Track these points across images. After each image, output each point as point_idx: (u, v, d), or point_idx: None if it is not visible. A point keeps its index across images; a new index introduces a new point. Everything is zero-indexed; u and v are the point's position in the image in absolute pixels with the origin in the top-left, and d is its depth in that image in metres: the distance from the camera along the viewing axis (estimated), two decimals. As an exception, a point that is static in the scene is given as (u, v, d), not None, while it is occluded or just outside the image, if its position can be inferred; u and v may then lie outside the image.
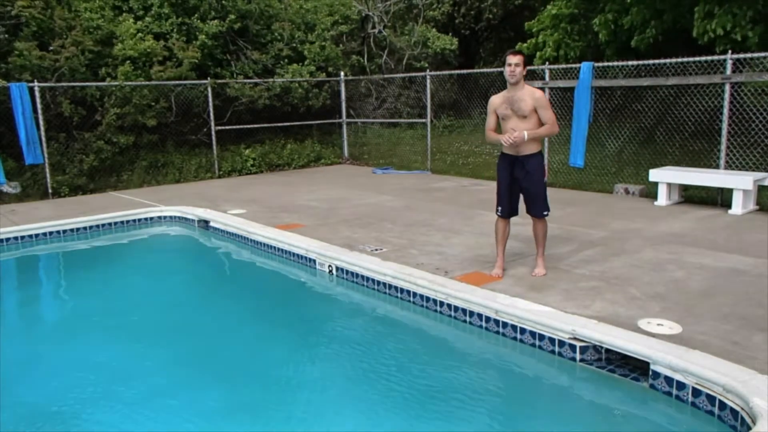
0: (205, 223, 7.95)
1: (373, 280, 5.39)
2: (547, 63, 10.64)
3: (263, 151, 12.46)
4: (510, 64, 4.70)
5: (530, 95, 4.76)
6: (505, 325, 4.30)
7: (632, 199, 8.33)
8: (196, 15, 11.90)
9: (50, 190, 9.90)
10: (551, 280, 4.87)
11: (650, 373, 3.51)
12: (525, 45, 12.62)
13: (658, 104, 9.53)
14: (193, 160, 11.68)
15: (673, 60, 8.12)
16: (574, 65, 9.45)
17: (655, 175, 7.93)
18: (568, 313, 4.16)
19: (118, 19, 11.33)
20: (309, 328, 4.84)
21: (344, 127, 13.69)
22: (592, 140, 9.39)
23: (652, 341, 3.66)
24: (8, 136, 9.75)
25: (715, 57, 7.80)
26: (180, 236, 7.96)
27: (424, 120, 12.22)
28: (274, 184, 10.67)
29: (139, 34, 11.11)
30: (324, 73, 13.09)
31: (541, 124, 4.80)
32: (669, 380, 3.41)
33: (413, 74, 14.12)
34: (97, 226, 7.94)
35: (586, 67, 8.73)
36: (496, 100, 4.95)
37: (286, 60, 12.70)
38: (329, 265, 5.89)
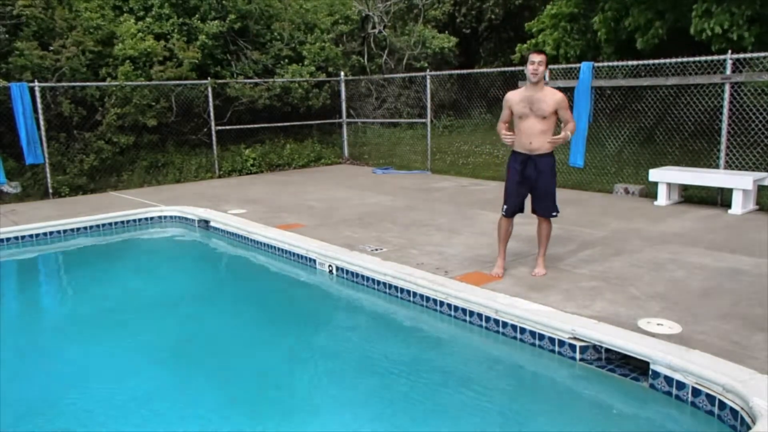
0: (205, 223, 7.95)
1: (373, 280, 5.40)
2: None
3: (263, 151, 12.47)
4: (533, 63, 4.66)
5: (551, 97, 4.73)
6: (505, 324, 4.31)
7: (632, 199, 8.33)
8: (196, 15, 11.91)
9: (51, 190, 9.90)
10: (551, 280, 4.87)
11: (650, 372, 3.52)
12: (525, 45, 12.63)
13: (658, 104, 9.54)
14: (193, 160, 11.69)
15: (673, 60, 8.12)
16: (574, 65, 9.46)
17: (655, 175, 7.93)
18: (568, 312, 4.16)
19: (119, 20, 11.34)
20: (309, 328, 4.84)
21: (344, 127, 13.69)
22: (592, 140, 9.39)
23: (652, 341, 3.66)
24: (8, 136, 9.76)
25: (715, 57, 7.80)
26: (180, 236, 7.96)
27: (424, 120, 12.22)
28: (275, 184, 10.67)
29: (140, 34, 11.11)
30: (324, 74, 13.10)
31: (555, 124, 4.80)
32: (669, 380, 3.42)
33: (413, 74, 14.12)
34: (98, 226, 7.95)
35: (586, 67, 8.74)
36: (514, 97, 4.87)
37: (286, 60, 12.70)
38: (329, 265, 5.90)
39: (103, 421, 3.42)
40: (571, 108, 8.80)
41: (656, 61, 8.41)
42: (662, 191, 7.84)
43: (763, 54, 7.41)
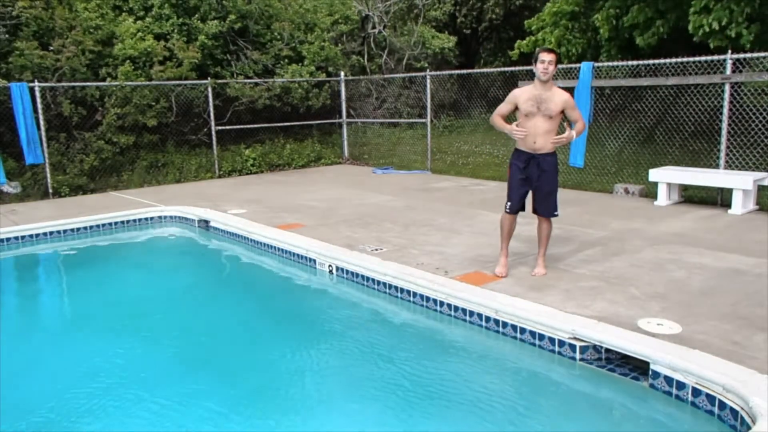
0: (205, 223, 7.95)
1: (373, 280, 5.40)
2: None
3: (263, 151, 12.47)
4: (543, 61, 4.65)
5: (559, 97, 4.73)
6: (505, 324, 4.31)
7: (632, 199, 8.33)
8: (196, 15, 11.91)
9: (51, 190, 9.90)
10: (551, 280, 4.87)
11: (650, 372, 3.52)
12: (524, 42, 12.60)
13: (658, 104, 9.54)
14: (193, 160, 11.69)
15: (673, 60, 8.12)
16: (574, 65, 9.46)
17: (655, 174, 7.93)
18: (568, 312, 4.16)
19: (119, 19, 11.34)
20: (309, 328, 4.84)
21: (344, 127, 13.69)
22: (592, 140, 9.39)
23: (652, 341, 3.66)
24: (8, 136, 9.76)
25: (715, 57, 7.80)
26: (180, 236, 7.96)
27: (424, 120, 12.22)
28: (274, 184, 10.68)
29: (140, 34, 11.12)
30: (324, 73, 13.10)
31: (560, 123, 4.81)
32: (669, 380, 3.42)
33: (413, 74, 14.13)
34: (98, 226, 7.95)
35: (586, 67, 8.74)
36: (520, 95, 4.83)
37: (286, 60, 12.71)
38: (329, 265, 5.90)
39: (104, 421, 3.42)
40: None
41: (656, 61, 8.41)
42: (662, 191, 7.84)
43: (763, 54, 7.41)
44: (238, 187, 10.31)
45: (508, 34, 20.09)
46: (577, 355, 3.88)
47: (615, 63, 9.02)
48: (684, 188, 8.05)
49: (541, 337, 4.08)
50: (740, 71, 7.68)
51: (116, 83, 10.37)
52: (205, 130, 11.83)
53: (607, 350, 3.80)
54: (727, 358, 3.41)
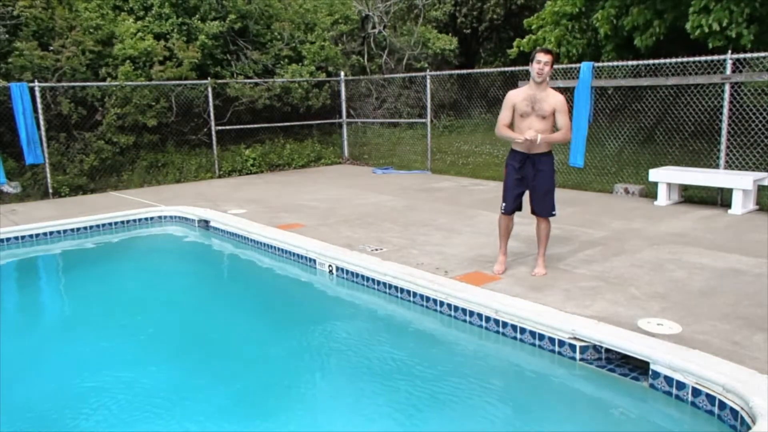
0: (205, 223, 7.96)
1: (373, 280, 5.40)
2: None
3: (263, 151, 12.47)
4: (539, 62, 4.66)
5: (553, 97, 4.75)
6: (505, 324, 4.31)
7: (632, 199, 8.33)
8: (196, 15, 11.91)
9: (51, 190, 9.90)
10: (551, 280, 4.87)
11: (650, 372, 3.52)
12: (524, 41, 12.58)
13: (658, 104, 9.54)
14: (193, 160, 11.69)
15: (673, 60, 8.12)
16: (574, 65, 9.45)
17: (655, 175, 7.93)
18: (568, 312, 4.16)
19: (118, 19, 11.34)
20: (309, 328, 4.84)
21: (344, 127, 13.69)
22: (592, 140, 9.39)
23: (652, 341, 3.66)
24: (8, 136, 9.76)
25: (715, 57, 7.80)
26: (180, 236, 7.96)
27: (424, 120, 12.22)
28: (274, 184, 10.68)
29: (140, 34, 11.12)
30: (324, 73, 13.10)
31: (555, 126, 4.80)
32: (669, 380, 3.42)
33: (413, 74, 14.12)
34: (98, 226, 7.95)
35: (586, 66, 8.74)
36: (516, 96, 4.86)
37: (286, 60, 12.70)
38: (329, 265, 5.89)
39: (104, 420, 3.42)
40: (571, 108, 8.90)
41: (656, 61, 8.41)
42: (662, 191, 7.84)
43: (762, 54, 7.41)
44: (238, 187, 10.31)
45: (508, 34, 20.08)
46: (577, 355, 3.88)
47: (615, 63, 9.02)
48: (684, 188, 8.05)
49: (541, 337, 4.08)
50: (740, 71, 7.68)
51: (116, 83, 10.37)
52: (205, 130, 11.83)
53: (607, 350, 3.80)
54: (727, 358, 3.41)
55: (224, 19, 11.94)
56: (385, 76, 14.80)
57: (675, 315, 4.09)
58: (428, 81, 11.65)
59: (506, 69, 11.07)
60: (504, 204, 5.04)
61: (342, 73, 13.51)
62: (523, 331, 4.19)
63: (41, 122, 9.74)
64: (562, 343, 3.96)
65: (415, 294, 5.00)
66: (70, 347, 4.55)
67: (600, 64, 9.10)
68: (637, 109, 10.01)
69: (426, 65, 15.43)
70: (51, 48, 10.17)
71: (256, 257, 6.76)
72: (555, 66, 9.74)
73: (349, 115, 13.92)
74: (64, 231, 7.70)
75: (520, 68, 10.06)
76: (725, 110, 7.58)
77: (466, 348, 4.40)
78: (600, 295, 4.50)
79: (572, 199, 8.25)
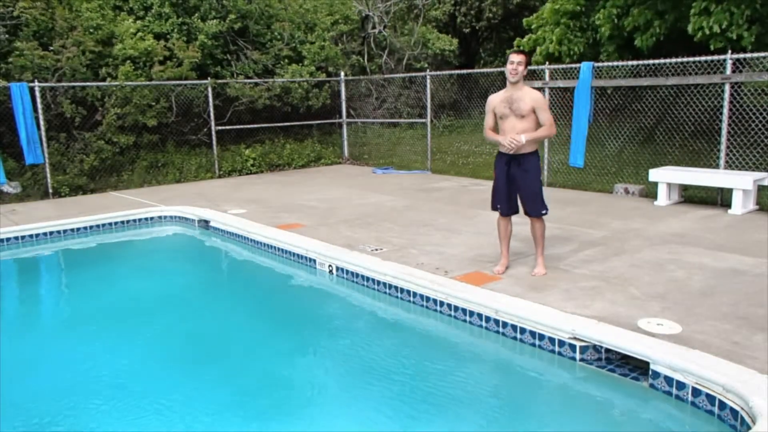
0: (205, 223, 7.96)
1: (373, 280, 5.40)
2: (547, 61, 10.62)
3: (263, 151, 12.47)
4: (512, 63, 4.74)
5: (529, 95, 4.80)
6: (505, 324, 4.31)
7: (632, 199, 8.33)
8: (196, 15, 11.91)
9: (51, 190, 9.90)
10: (551, 280, 4.87)
11: (650, 372, 3.52)
12: (524, 40, 12.58)
13: (658, 104, 9.54)
14: (193, 160, 11.69)
15: (673, 60, 8.12)
16: (574, 65, 9.45)
17: (655, 175, 7.93)
18: (568, 312, 4.16)
19: (118, 19, 11.34)
20: (309, 328, 4.85)
21: (344, 127, 13.69)
22: (592, 140, 9.39)
23: (652, 341, 3.66)
24: (8, 136, 9.76)
25: (715, 57, 7.80)
26: (180, 236, 7.96)
27: (424, 120, 12.23)
28: (274, 184, 10.68)
29: (140, 34, 11.12)
30: (324, 73, 13.10)
31: (538, 124, 4.82)
32: (669, 380, 3.42)
33: (413, 74, 14.12)
34: (98, 226, 7.95)
35: (586, 66, 8.74)
36: (494, 100, 4.98)
37: (286, 60, 12.70)
38: (329, 265, 5.90)
39: (104, 420, 3.42)
40: (571, 108, 8.90)
41: (656, 61, 8.40)
42: (662, 191, 7.84)
43: (763, 54, 7.41)
44: (238, 187, 10.31)
45: (507, 34, 20.09)
46: (577, 355, 3.88)
47: (615, 63, 9.02)
48: (684, 188, 8.05)
49: (541, 337, 4.08)
50: (740, 71, 7.68)
51: (116, 83, 10.37)
52: (205, 130, 11.83)
53: (607, 350, 3.80)
54: (727, 358, 3.42)
55: (224, 18, 11.95)
56: (385, 76, 14.80)
57: (675, 315, 4.09)
58: (428, 81, 11.65)
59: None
60: (498, 206, 5.11)
61: (342, 73, 13.50)
62: (523, 331, 4.19)
63: (41, 122, 9.74)
64: (562, 343, 3.96)
65: (415, 294, 5.00)
66: (70, 347, 4.55)
67: (600, 64, 9.10)
68: (637, 109, 10.01)
69: (426, 65, 15.42)
70: (51, 48, 10.18)
71: (256, 257, 6.76)
72: (555, 66, 9.80)
73: (349, 115, 13.92)
74: (64, 231, 7.70)
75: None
76: (725, 110, 7.58)
77: (466, 348, 4.40)
78: (600, 295, 4.50)
79: (572, 199, 8.25)
